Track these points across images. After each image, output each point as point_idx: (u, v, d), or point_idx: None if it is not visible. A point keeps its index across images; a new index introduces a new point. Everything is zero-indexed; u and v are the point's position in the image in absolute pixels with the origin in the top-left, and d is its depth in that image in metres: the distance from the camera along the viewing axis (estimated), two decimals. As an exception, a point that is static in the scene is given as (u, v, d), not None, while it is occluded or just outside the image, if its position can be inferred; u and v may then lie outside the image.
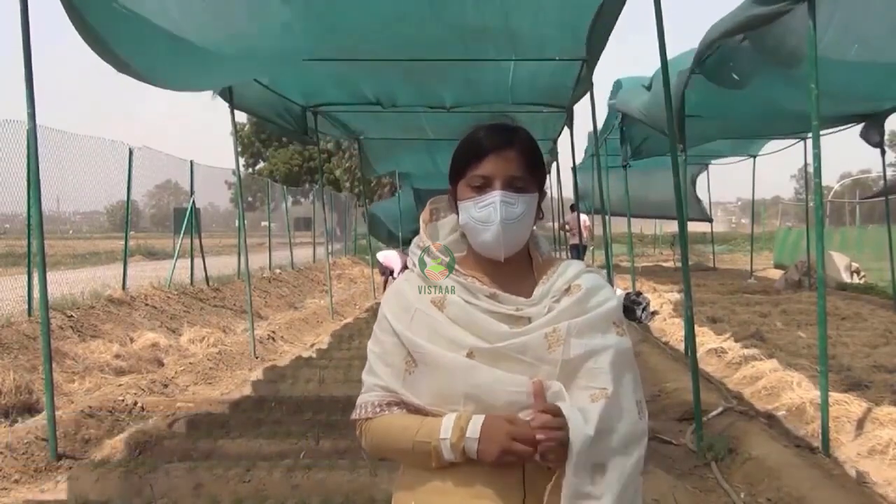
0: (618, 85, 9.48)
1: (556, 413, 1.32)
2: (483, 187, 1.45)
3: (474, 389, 1.37)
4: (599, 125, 9.59)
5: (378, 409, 1.46)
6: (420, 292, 1.51)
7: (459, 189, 1.50)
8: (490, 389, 1.37)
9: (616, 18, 5.25)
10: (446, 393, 1.39)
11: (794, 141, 12.66)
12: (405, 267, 14.04)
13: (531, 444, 1.30)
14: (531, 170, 1.48)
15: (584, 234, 14.74)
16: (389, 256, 15.32)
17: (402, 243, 18.75)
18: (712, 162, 16.98)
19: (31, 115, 4.49)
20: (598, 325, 1.44)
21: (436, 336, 1.43)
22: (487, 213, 1.44)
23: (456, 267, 1.52)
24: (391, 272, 14.96)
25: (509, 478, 1.37)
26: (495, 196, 1.44)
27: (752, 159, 15.19)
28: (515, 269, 1.52)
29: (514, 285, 1.49)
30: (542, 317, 1.43)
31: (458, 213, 1.52)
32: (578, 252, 14.33)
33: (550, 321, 1.42)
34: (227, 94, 7.38)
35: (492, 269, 1.50)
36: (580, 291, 1.47)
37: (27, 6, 4.35)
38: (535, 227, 1.54)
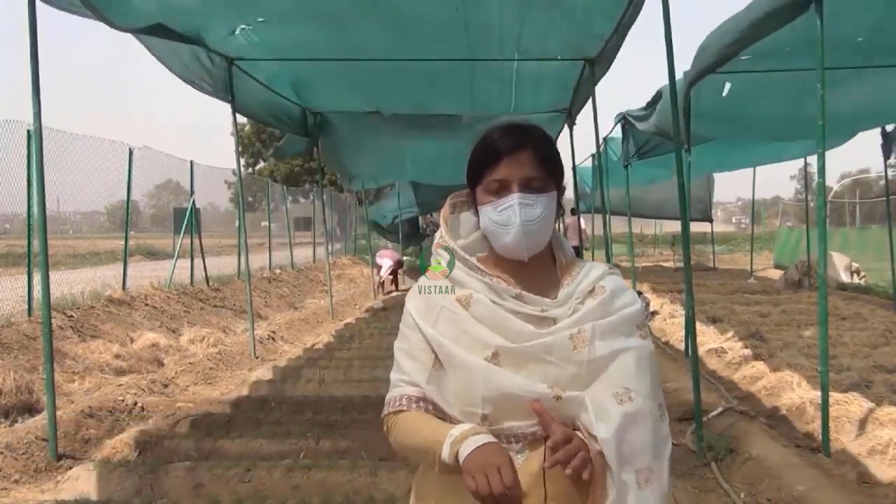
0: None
1: (570, 437, 1.32)
2: (500, 190, 1.45)
3: (493, 393, 1.37)
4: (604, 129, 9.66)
5: (402, 403, 1.46)
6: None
7: (478, 193, 1.50)
8: (510, 394, 1.37)
9: (630, 24, 5.25)
10: (468, 393, 1.39)
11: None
12: (398, 265, 14.02)
13: (499, 489, 1.27)
14: (548, 168, 1.48)
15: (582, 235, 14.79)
16: (383, 254, 15.47)
17: (402, 240, 18.79)
18: (714, 171, 16.94)
19: (37, 115, 4.47)
20: (621, 328, 1.45)
21: (461, 334, 1.43)
22: (507, 216, 1.44)
23: (481, 266, 1.52)
24: (380, 269, 15.09)
25: (531, 483, 1.36)
26: (513, 199, 1.44)
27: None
28: (539, 270, 1.52)
29: (538, 286, 1.49)
30: (567, 318, 1.43)
31: (478, 217, 1.52)
32: (576, 253, 14.38)
33: (575, 322, 1.43)
34: (229, 96, 7.37)
35: (516, 270, 1.51)
36: (604, 293, 1.47)
37: (35, 5, 4.36)
38: (556, 227, 1.54)
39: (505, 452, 1.32)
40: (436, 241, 1.61)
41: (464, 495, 1.34)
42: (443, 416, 1.43)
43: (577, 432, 1.35)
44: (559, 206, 1.52)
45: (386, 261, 15.19)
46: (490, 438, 1.33)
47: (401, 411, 1.46)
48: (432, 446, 1.37)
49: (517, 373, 1.39)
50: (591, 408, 1.35)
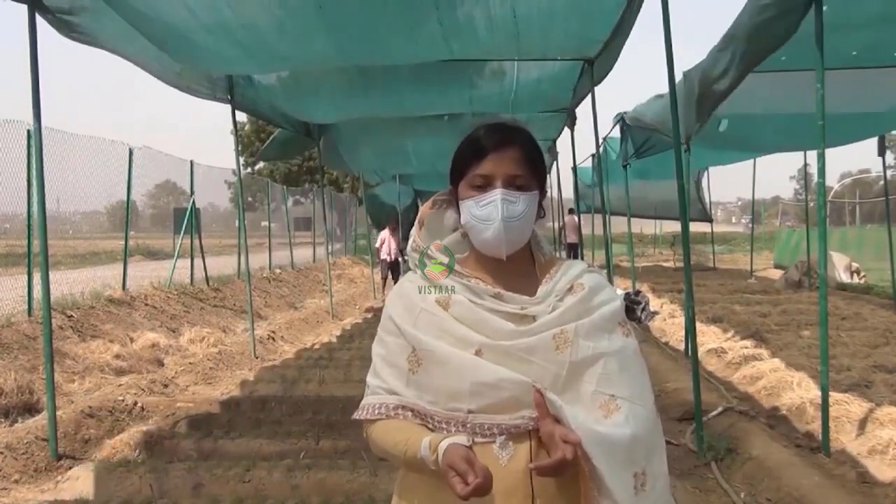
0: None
1: (553, 434, 1.32)
2: (484, 186, 1.45)
3: (479, 387, 1.37)
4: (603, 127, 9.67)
5: (378, 411, 1.46)
6: (420, 292, 1.51)
7: (461, 189, 1.50)
8: (495, 387, 1.37)
9: (630, 25, 5.25)
10: (452, 390, 1.38)
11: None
12: (394, 232, 13.46)
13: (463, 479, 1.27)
14: (532, 168, 1.48)
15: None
16: (382, 238, 15.04)
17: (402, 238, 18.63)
18: (713, 165, 16.91)
19: (37, 115, 4.49)
20: (604, 326, 1.45)
21: (443, 335, 1.43)
22: (489, 211, 1.44)
23: (459, 268, 1.52)
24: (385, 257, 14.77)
25: (517, 482, 1.36)
26: (496, 194, 1.43)
27: (752, 160, 15.17)
28: (518, 270, 1.52)
29: (517, 285, 1.49)
30: (547, 315, 1.43)
31: (459, 213, 1.52)
32: (574, 250, 14.42)
33: (556, 320, 1.42)
34: (229, 95, 7.38)
35: (495, 270, 1.50)
36: (583, 290, 1.47)
37: (34, 6, 4.37)
38: (535, 228, 1.54)
39: (460, 456, 1.30)
40: (410, 244, 1.61)
41: (448, 493, 1.35)
42: (422, 419, 1.42)
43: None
44: (541, 207, 1.52)
45: (384, 247, 14.88)
46: (448, 443, 1.32)
47: (379, 419, 1.46)
48: (412, 459, 1.38)
49: None
50: (571, 423, 1.33)
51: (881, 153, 10.07)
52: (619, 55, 5.89)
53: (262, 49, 5.61)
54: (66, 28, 4.70)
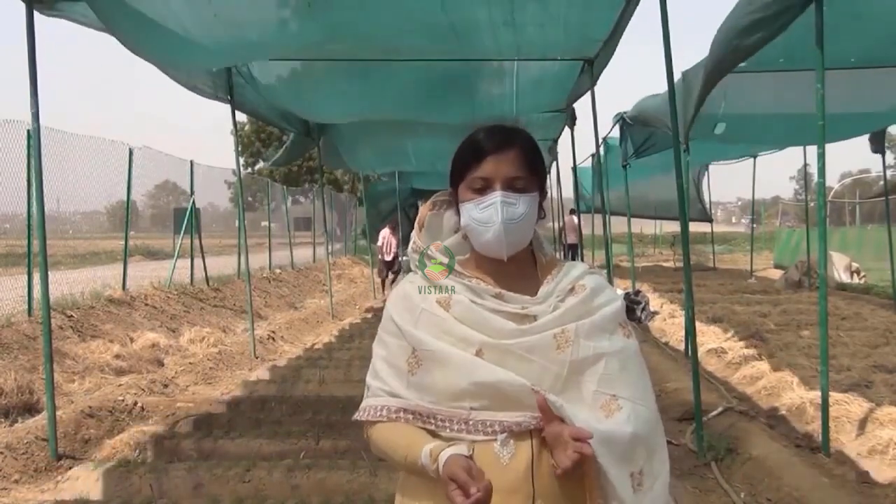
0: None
1: (560, 434, 1.32)
2: (483, 189, 1.45)
3: (478, 387, 1.37)
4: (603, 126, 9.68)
5: (379, 413, 1.46)
6: (420, 292, 1.51)
7: (460, 191, 1.50)
8: (494, 387, 1.37)
9: (626, 23, 5.25)
10: (453, 390, 1.38)
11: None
12: (394, 231, 13.35)
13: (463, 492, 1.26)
14: (531, 170, 1.48)
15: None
16: (383, 237, 14.80)
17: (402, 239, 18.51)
18: (713, 162, 16.92)
19: (35, 115, 4.49)
20: (605, 327, 1.45)
21: (443, 335, 1.43)
22: (489, 214, 1.44)
23: (460, 269, 1.52)
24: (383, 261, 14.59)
25: (518, 481, 1.36)
26: (496, 197, 1.44)
27: (752, 159, 15.18)
28: (519, 270, 1.52)
29: (518, 286, 1.49)
30: (548, 315, 1.44)
31: (459, 215, 1.53)
32: (574, 251, 14.41)
33: (557, 320, 1.43)
34: (228, 95, 7.38)
35: (496, 271, 1.51)
36: (585, 291, 1.48)
37: (32, 6, 4.36)
38: (537, 229, 1.54)
39: (461, 466, 1.29)
40: (411, 246, 1.61)
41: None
42: (424, 420, 1.42)
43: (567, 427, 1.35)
44: (541, 208, 1.52)
45: (385, 245, 14.62)
46: (449, 454, 1.32)
47: (379, 421, 1.46)
48: (412, 464, 1.38)
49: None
50: (573, 421, 1.33)
51: (878, 150, 10.00)
52: (613, 52, 5.91)
53: (254, 46, 5.58)
54: (64, 12, 4.64)
